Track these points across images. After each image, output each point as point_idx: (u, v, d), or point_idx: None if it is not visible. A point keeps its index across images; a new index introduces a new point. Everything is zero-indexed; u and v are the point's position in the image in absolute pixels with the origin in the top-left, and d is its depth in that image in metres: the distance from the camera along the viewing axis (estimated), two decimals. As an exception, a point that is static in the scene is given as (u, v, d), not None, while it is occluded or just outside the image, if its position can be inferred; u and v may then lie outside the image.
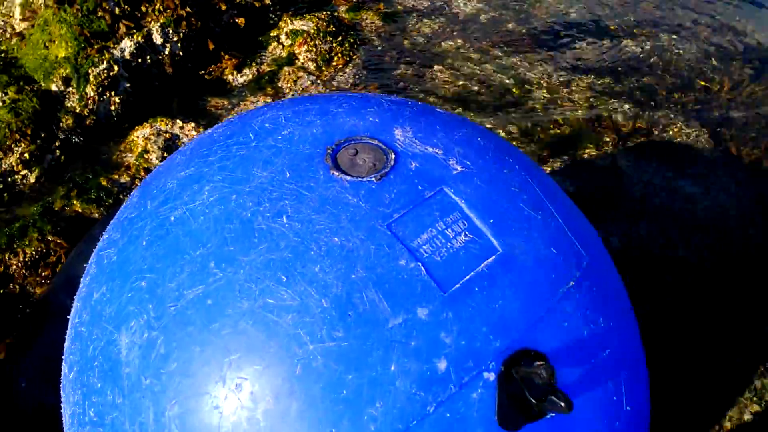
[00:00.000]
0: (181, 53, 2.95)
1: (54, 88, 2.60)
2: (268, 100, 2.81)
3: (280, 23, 3.23)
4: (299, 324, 0.84)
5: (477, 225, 0.95)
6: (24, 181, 2.34)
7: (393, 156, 1.00)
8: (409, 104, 1.21)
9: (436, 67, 3.07)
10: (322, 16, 3.24)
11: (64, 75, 2.61)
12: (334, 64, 3.05)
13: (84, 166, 2.44)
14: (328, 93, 1.32)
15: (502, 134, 2.67)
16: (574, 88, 2.90)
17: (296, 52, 3.08)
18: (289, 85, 2.90)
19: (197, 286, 0.89)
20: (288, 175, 0.96)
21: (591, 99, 2.83)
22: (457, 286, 0.88)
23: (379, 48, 3.18)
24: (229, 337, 0.85)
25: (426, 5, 3.53)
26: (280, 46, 3.13)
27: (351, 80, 2.94)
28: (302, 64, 3.03)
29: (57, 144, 2.48)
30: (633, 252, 2.18)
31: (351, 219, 0.91)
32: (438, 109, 1.28)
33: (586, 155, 2.56)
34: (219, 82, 2.93)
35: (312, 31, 3.14)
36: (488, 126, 2.70)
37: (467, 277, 0.90)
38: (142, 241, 0.99)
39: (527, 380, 0.78)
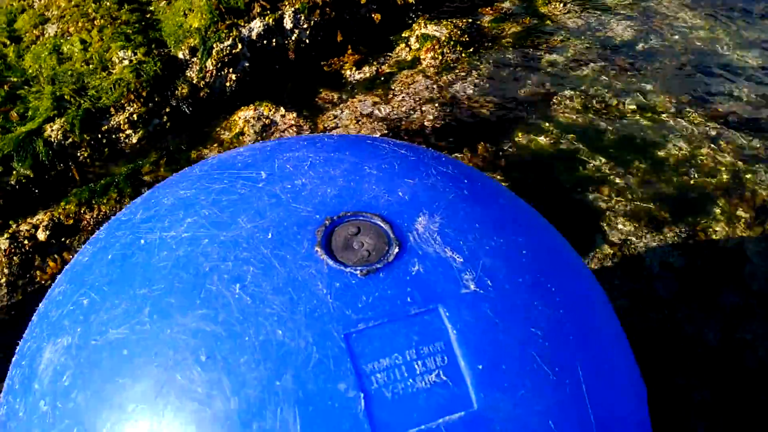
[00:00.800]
0: (307, 41, 2.96)
1: (180, 56, 2.72)
2: (377, 100, 2.72)
3: (413, 25, 3.11)
4: (195, 420, 0.71)
5: (459, 366, 0.72)
6: (126, 140, 2.48)
7: (397, 250, 0.79)
8: (465, 182, 0.97)
9: (567, 92, 2.77)
10: (460, 24, 3.06)
11: (192, 45, 2.73)
12: (457, 71, 2.87)
13: (183, 136, 2.53)
14: (380, 139, 1.10)
15: (618, 181, 2.33)
16: (721, 144, 2.45)
17: (421, 57, 2.95)
18: (402, 88, 2.78)
19: (122, 329, 0.79)
20: (270, 236, 0.81)
21: (736, 162, 2.37)
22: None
23: (512, 62, 2.93)
24: (127, 400, 0.75)
25: (579, 24, 3.20)
26: (407, 49, 3.02)
27: (470, 91, 2.75)
28: (423, 68, 2.89)
29: (166, 110, 2.60)
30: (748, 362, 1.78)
31: (308, 313, 0.73)
32: (504, 195, 1.02)
33: (710, 229, 2.15)
34: (336, 76, 2.89)
35: (443, 38, 2.98)
36: (604, 169, 2.37)
37: (414, 430, 0.69)
38: (109, 254, 0.91)
39: None
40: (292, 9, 2.93)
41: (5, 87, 2.52)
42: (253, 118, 2.59)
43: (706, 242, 2.09)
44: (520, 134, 2.55)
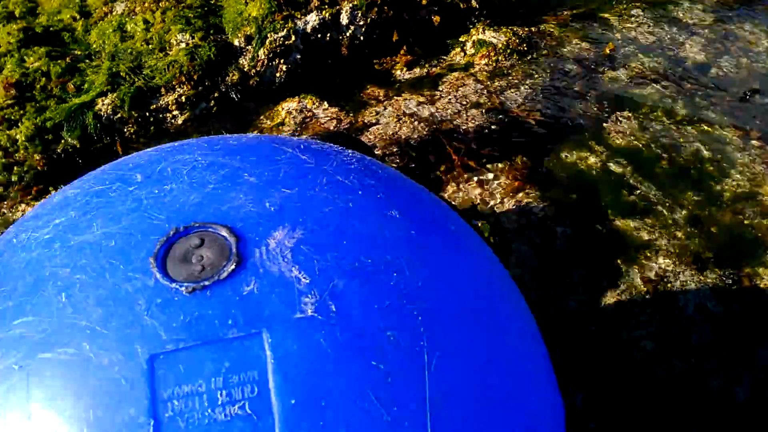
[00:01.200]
0: (361, 38, 2.94)
1: (236, 43, 2.76)
2: (422, 100, 2.67)
3: (471, 30, 3.04)
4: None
5: (270, 400, 0.64)
6: (172, 120, 2.54)
7: (233, 266, 0.71)
8: (359, 193, 0.85)
9: (625, 113, 2.62)
10: (520, 32, 2.96)
11: (248, 33, 2.76)
12: (510, 78, 2.77)
13: (226, 122, 2.56)
14: (289, 142, 0.99)
15: (665, 213, 2.18)
16: (787, 183, 2.25)
17: (475, 62, 2.87)
18: (450, 90, 2.72)
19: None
20: (113, 243, 0.75)
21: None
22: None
23: (570, 74, 2.81)
24: None
25: (649, 40, 3.03)
26: (462, 54, 2.95)
27: (520, 99, 2.65)
28: (475, 72, 2.82)
29: (215, 95, 2.64)
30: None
31: (119, 329, 0.67)
32: (409, 209, 0.88)
33: (757, 276, 1.97)
34: (385, 74, 2.86)
35: (500, 45, 2.89)
36: (652, 198, 2.23)
37: None
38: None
39: None
40: (350, 5, 2.91)
41: (67, 59, 2.63)
42: (296, 109, 2.59)
43: (749, 289, 1.92)
44: (567, 151, 2.44)
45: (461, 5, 3.21)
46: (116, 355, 0.65)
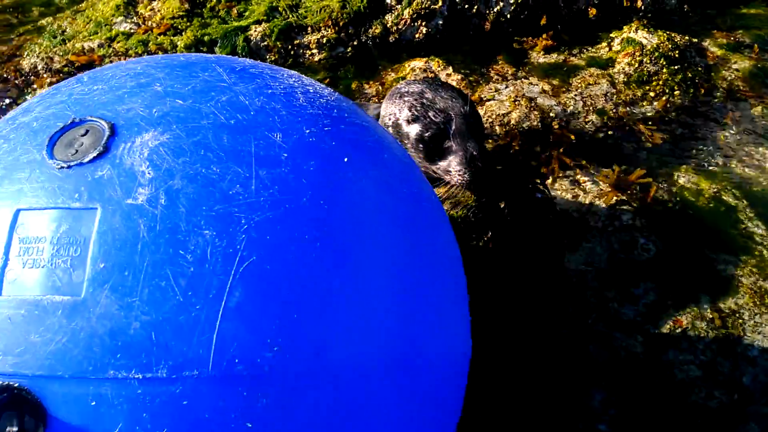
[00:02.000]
0: (508, 16, 2.96)
1: (387, 0, 2.92)
2: (547, 89, 2.65)
3: (624, 27, 2.92)
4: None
5: (86, 261, 0.80)
6: (309, 57, 2.78)
7: (96, 154, 0.87)
8: (251, 113, 0.94)
9: (761, 150, 2.41)
10: (676, 39, 2.80)
11: (400, -7, 2.91)
12: (647, 88, 2.65)
13: (355, 68, 2.75)
14: (231, 63, 1.09)
15: (764, 254, 2.01)
16: None
17: (617, 60, 2.78)
18: (579, 85, 2.67)
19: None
20: (35, 125, 0.93)
21: None
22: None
23: (716, 97, 2.62)
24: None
25: (825, 77, 2.71)
26: (607, 48, 2.86)
27: (648, 115, 2.54)
28: (612, 73, 2.73)
29: (353, 43, 2.84)
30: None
31: (6, 185, 0.88)
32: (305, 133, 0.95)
33: None
34: (520, 54, 2.86)
35: (649, 47, 2.76)
36: (755, 236, 2.06)
37: (27, 296, 0.80)
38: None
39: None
40: (506, -18, 2.94)
41: (240, -12, 2.96)
42: (420, 68, 2.70)
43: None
44: (681, 172, 2.31)
45: (624, 2, 3.10)
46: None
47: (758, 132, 2.50)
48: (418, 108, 1.84)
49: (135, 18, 2.93)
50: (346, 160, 0.97)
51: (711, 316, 1.87)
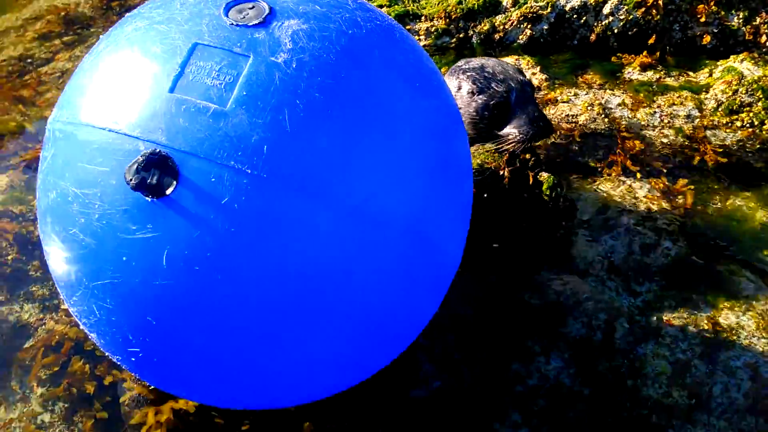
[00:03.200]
0: (615, 30, 3.06)
1: (504, 2, 3.17)
2: (627, 101, 2.73)
3: (732, 56, 2.88)
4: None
5: (235, 86, 1.17)
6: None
7: (258, 21, 1.24)
8: (378, 20, 1.37)
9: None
10: (786, 73, 2.72)
11: (515, -3, 3.15)
12: (735, 117, 2.63)
13: (456, 57, 3.03)
14: None
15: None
16: None
17: (711, 86, 2.77)
18: (662, 104, 2.72)
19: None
20: (219, 1, 1.33)
21: None
22: (198, 103, 1.17)
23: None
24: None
25: None
26: (708, 75, 2.85)
27: (725, 142, 2.53)
28: (701, 99, 2.73)
29: (460, 35, 3.13)
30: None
31: (190, 24, 1.27)
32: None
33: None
34: (616, 68, 2.95)
35: (750, 78, 2.72)
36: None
37: (188, 97, 1.17)
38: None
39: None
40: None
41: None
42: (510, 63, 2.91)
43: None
44: (737, 196, 2.30)
45: (747, 36, 3.04)
46: (181, 36, 1.26)
47: None
48: (481, 81, 2.10)
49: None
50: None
51: (706, 326, 1.89)
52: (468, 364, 1.80)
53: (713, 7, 3.07)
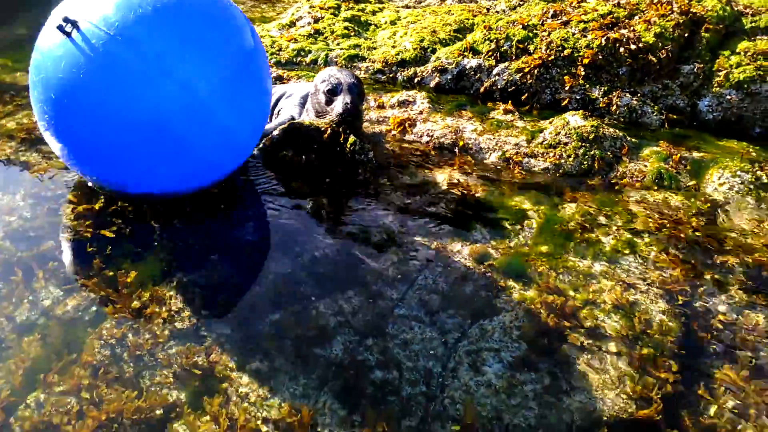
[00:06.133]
0: (499, 86, 4.12)
1: (433, 56, 4.34)
2: (479, 129, 3.75)
3: (570, 111, 3.83)
4: None
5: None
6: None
7: None
8: None
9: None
10: (602, 128, 3.63)
11: (438, 56, 4.31)
12: (550, 151, 3.57)
13: (382, 89, 4.22)
14: None
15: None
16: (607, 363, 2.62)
17: (545, 128, 3.72)
18: (500, 134, 3.71)
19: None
20: None
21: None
22: None
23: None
24: None
25: None
26: (547, 122, 3.81)
27: (539, 170, 3.47)
28: (534, 135, 3.70)
29: (390, 75, 4.32)
30: None
31: None
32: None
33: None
34: (487, 110, 3.98)
35: (571, 126, 3.65)
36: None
37: None
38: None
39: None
40: (504, 66, 4.11)
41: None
42: (408, 95, 4.05)
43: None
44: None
45: (601, 104, 3.98)
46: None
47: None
48: (326, 77, 3.31)
49: None
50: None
51: (436, 247, 2.84)
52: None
53: (581, 81, 4.05)
